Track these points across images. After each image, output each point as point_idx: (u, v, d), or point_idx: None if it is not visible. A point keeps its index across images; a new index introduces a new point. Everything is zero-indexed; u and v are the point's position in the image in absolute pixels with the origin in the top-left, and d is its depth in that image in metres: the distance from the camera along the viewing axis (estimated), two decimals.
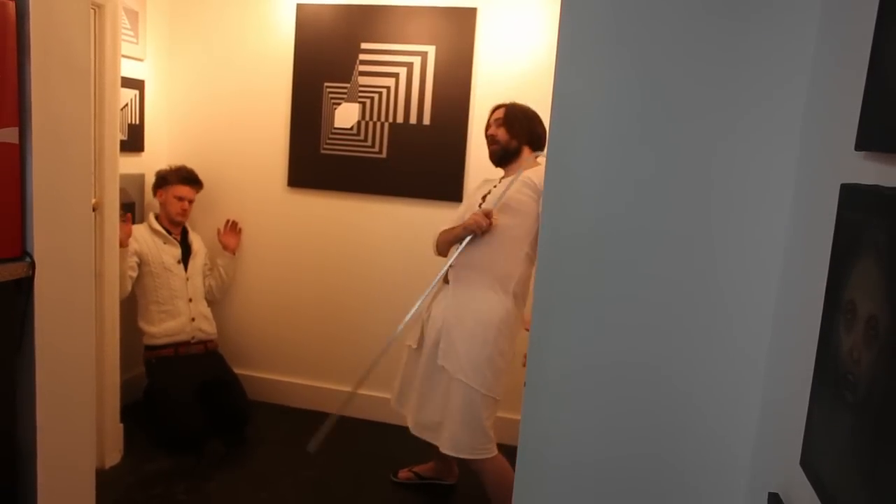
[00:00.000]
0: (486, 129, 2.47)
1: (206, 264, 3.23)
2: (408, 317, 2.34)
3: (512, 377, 2.31)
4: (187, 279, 3.09)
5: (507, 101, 2.49)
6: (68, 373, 1.82)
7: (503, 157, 2.41)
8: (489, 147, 2.46)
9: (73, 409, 1.86)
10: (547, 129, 2.27)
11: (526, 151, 2.39)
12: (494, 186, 2.38)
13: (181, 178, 3.11)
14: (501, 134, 2.40)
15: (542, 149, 2.41)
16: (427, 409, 2.31)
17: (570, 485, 1.18)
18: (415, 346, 2.41)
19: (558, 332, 1.15)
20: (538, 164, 2.35)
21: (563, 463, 1.18)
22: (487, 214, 2.24)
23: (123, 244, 2.83)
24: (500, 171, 2.47)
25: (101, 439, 2.55)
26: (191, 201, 3.13)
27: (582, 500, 1.18)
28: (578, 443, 1.17)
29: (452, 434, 2.22)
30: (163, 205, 3.10)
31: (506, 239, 2.24)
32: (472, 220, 2.26)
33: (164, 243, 3.06)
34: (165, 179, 3.10)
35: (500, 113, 2.45)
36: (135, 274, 2.94)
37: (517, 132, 2.39)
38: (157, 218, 3.10)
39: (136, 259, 2.93)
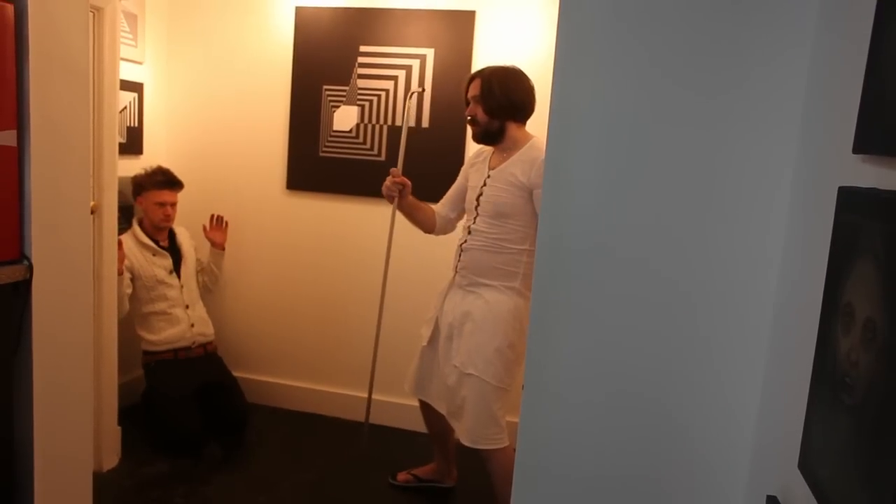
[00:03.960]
0: (467, 106, 2.31)
1: (198, 260, 3.21)
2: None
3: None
4: (182, 287, 3.04)
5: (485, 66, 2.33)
6: (66, 376, 1.82)
7: (486, 137, 2.29)
8: (470, 127, 2.32)
9: (71, 412, 1.85)
10: (532, 88, 2.24)
11: (512, 127, 2.24)
12: (488, 176, 2.28)
13: (157, 182, 2.94)
14: (480, 114, 2.24)
15: (527, 118, 2.27)
16: (450, 401, 2.32)
17: (568, 487, 1.18)
18: (425, 343, 2.44)
19: (556, 335, 1.16)
20: (531, 137, 2.24)
21: (561, 465, 1.18)
22: (392, 174, 2.39)
23: (119, 272, 2.72)
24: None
25: (99, 442, 2.54)
26: (173, 205, 2.98)
27: (580, 502, 1.18)
28: (576, 445, 1.17)
29: (467, 426, 2.23)
30: (145, 212, 2.98)
31: (504, 245, 2.23)
32: (383, 188, 2.42)
33: (154, 255, 2.96)
34: (142, 186, 2.94)
35: (475, 88, 2.25)
36: (130, 290, 2.87)
37: (495, 110, 2.21)
38: (140, 224, 2.99)
39: (129, 275, 2.87)
